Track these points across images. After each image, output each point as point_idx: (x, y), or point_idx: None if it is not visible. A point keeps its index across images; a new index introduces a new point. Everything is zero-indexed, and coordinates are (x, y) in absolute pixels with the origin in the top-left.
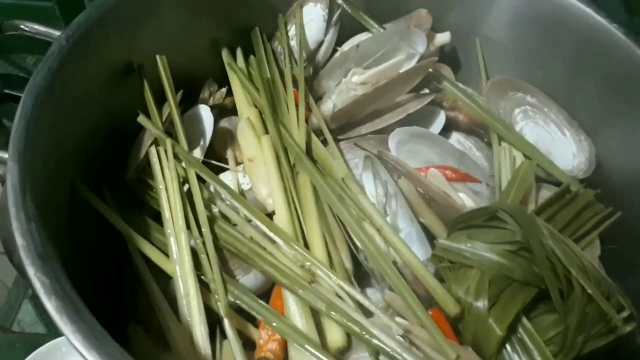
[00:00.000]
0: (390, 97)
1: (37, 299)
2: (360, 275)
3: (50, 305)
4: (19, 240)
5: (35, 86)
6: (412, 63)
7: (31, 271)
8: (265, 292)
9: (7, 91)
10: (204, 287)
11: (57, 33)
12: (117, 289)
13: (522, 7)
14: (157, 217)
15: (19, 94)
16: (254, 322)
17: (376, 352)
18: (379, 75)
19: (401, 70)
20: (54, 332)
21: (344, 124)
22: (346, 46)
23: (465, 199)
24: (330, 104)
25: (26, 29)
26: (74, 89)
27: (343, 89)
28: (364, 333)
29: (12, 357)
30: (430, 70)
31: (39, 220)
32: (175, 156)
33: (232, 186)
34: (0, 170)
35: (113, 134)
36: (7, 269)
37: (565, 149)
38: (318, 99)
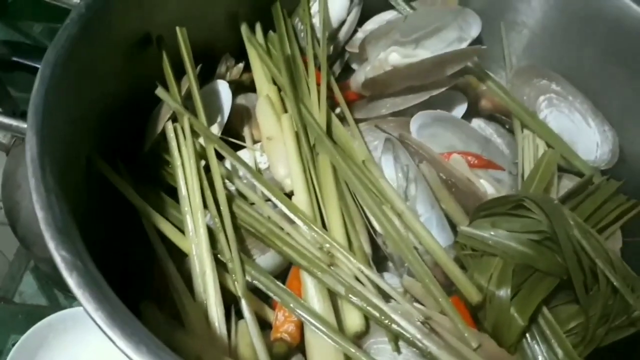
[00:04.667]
0: (427, 76)
1: (38, 271)
2: (378, 260)
3: (72, 282)
4: (40, 213)
5: (54, 54)
6: (462, 45)
7: (52, 245)
8: (282, 273)
9: (15, 59)
10: (220, 266)
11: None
12: (132, 265)
13: None
14: (173, 193)
15: (26, 62)
16: (269, 303)
17: (396, 337)
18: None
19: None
20: (55, 304)
21: (375, 95)
22: (369, 25)
23: (487, 187)
24: (362, 77)
25: None
26: (92, 59)
27: (377, 66)
28: (383, 318)
29: (14, 328)
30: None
31: (59, 193)
32: (193, 132)
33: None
34: (4, 139)
35: (130, 107)
36: (9, 241)
37: (589, 139)
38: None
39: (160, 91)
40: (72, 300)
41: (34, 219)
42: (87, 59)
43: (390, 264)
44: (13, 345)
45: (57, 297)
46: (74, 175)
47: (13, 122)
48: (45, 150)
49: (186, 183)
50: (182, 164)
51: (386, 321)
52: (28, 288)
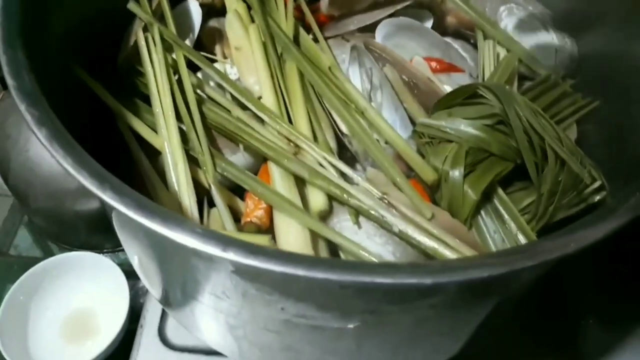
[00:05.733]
0: None
1: (33, 225)
2: (344, 161)
3: (41, 135)
4: (10, 82)
5: None
6: None
7: (22, 107)
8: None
9: None
10: (192, 163)
11: None
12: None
13: None
14: (147, 102)
15: None
16: (241, 198)
17: (356, 212)
18: None
19: None
20: (49, 256)
21: (343, 14)
22: None
23: (448, 89)
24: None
25: None
26: None
27: None
28: (344, 194)
29: (9, 278)
30: None
31: (29, 68)
32: (164, 43)
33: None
34: None
35: (104, 25)
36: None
37: (548, 45)
38: None
39: (132, 5)
40: (65, 251)
41: (25, 168)
42: None
43: (357, 166)
44: None
45: (51, 249)
46: (51, 77)
47: None
48: (17, 32)
49: (157, 85)
50: (153, 69)
51: (346, 197)
52: (22, 242)
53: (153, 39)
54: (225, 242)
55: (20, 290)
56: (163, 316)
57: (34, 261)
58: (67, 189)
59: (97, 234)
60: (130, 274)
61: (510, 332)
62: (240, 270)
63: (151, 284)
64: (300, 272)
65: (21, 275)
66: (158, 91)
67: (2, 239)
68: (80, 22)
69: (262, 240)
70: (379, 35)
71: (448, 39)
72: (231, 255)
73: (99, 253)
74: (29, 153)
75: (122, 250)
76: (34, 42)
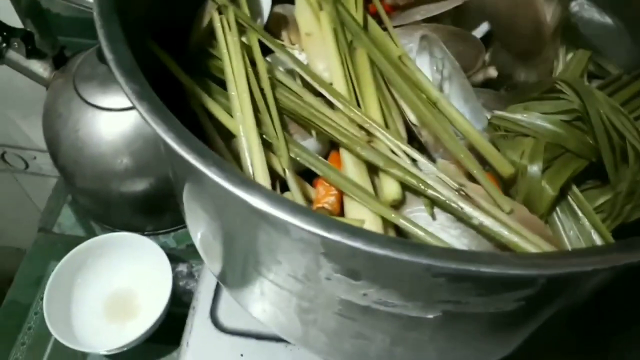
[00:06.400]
0: None
1: (77, 204)
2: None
3: (143, 109)
4: (109, 56)
5: None
6: None
7: (122, 81)
8: None
9: None
10: (265, 148)
11: None
12: None
13: None
14: (219, 85)
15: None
16: (311, 184)
17: (432, 202)
18: None
19: None
20: (92, 235)
21: (408, 4)
22: None
23: None
24: None
25: None
26: None
27: None
28: (420, 184)
29: (53, 255)
30: None
31: (124, 42)
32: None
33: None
34: (45, 73)
35: (176, 4)
36: (45, 190)
37: (620, 45)
38: None
39: None
40: (108, 231)
41: (74, 148)
42: None
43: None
44: (53, 271)
45: (94, 229)
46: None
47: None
48: (113, 8)
49: (232, 68)
50: (228, 52)
51: (422, 187)
52: (66, 220)
53: (228, 21)
54: (328, 223)
55: (65, 267)
56: (215, 298)
57: (77, 240)
58: (114, 170)
59: (140, 215)
60: (171, 257)
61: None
62: (333, 253)
63: (213, 260)
64: (403, 256)
65: (64, 253)
66: (233, 72)
67: (47, 217)
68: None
69: (355, 223)
70: None
71: None
72: (335, 236)
73: (141, 234)
74: (79, 133)
75: (164, 232)
76: (125, 17)
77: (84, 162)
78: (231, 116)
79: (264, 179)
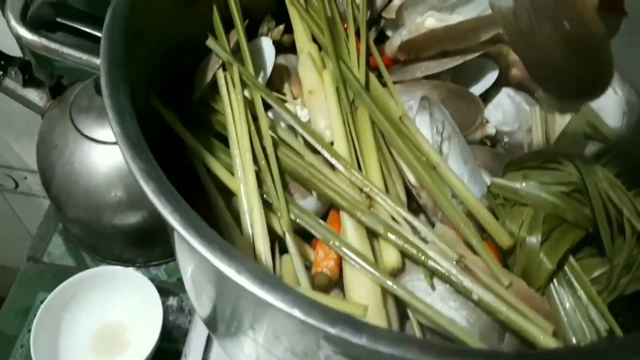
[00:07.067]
0: (462, 41)
1: (67, 233)
2: (411, 212)
3: (148, 189)
4: (116, 129)
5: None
6: None
7: (128, 157)
8: (320, 219)
9: (58, 20)
10: (265, 207)
11: None
12: None
13: None
14: (220, 140)
15: (69, 23)
16: (309, 244)
17: (431, 273)
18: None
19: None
20: (82, 265)
21: (409, 59)
22: None
23: None
24: (398, 41)
25: None
26: (152, 7)
27: (414, 30)
28: (420, 255)
29: (42, 286)
30: None
31: (131, 113)
32: (240, 81)
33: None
34: (41, 102)
35: (178, 58)
36: (34, 210)
37: (616, 107)
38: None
39: (211, 42)
40: (98, 262)
41: (68, 179)
42: (148, 7)
43: (422, 218)
44: (41, 302)
45: (84, 259)
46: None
47: (84, 56)
48: (119, 76)
49: (235, 127)
50: (232, 110)
51: (422, 257)
52: (56, 249)
53: (232, 78)
54: (332, 317)
55: (55, 300)
56: (207, 346)
57: (67, 270)
58: (108, 203)
59: (132, 247)
60: (162, 291)
61: None
62: (335, 340)
63: (203, 308)
64: (409, 355)
65: (53, 284)
66: (236, 131)
67: (37, 245)
68: (162, 57)
69: (358, 310)
70: None
71: (511, 91)
72: (338, 332)
73: (131, 266)
74: (74, 165)
75: (155, 265)
76: (132, 84)
77: (77, 193)
78: (232, 174)
79: (263, 243)
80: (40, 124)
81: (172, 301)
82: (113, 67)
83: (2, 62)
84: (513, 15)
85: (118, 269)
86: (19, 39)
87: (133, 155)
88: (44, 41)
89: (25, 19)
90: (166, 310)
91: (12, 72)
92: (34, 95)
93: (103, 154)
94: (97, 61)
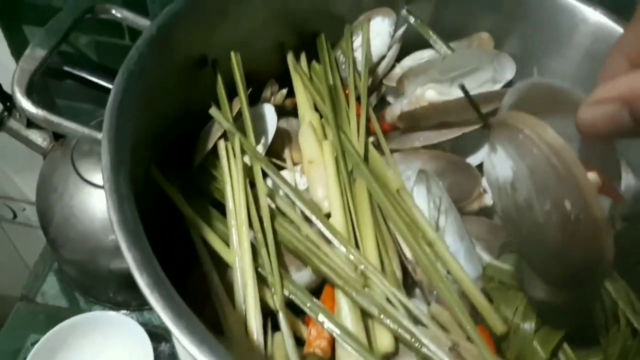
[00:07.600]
0: (461, 113)
1: (62, 273)
2: (406, 286)
3: (142, 282)
4: (114, 217)
5: (127, 70)
6: (495, 87)
7: (124, 246)
8: (314, 291)
9: (65, 68)
10: (259, 280)
11: (142, 20)
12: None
13: (598, 47)
14: (217, 206)
15: (76, 72)
16: (302, 319)
17: (424, 359)
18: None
19: (482, 90)
20: (76, 307)
21: (408, 127)
22: (407, 61)
23: None
24: (398, 110)
25: (117, 14)
26: (157, 76)
27: (414, 101)
28: (414, 341)
29: (33, 327)
30: None
31: (130, 198)
32: (241, 150)
33: None
34: (43, 143)
35: (180, 125)
36: (31, 241)
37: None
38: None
39: (213, 111)
40: (92, 304)
41: (67, 223)
42: (153, 76)
43: (417, 291)
44: (32, 344)
45: (77, 300)
46: (135, 183)
47: (85, 130)
48: (119, 159)
49: (234, 199)
50: (231, 181)
51: (416, 344)
52: (50, 289)
53: (233, 149)
54: None
55: (45, 345)
56: None
57: (60, 311)
58: (104, 247)
59: (126, 291)
60: (154, 336)
61: None
62: None
63: None
64: None
65: (45, 325)
66: (234, 203)
67: (31, 283)
68: (166, 122)
69: None
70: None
71: None
72: None
73: (125, 309)
74: (73, 209)
75: (148, 309)
76: (133, 147)
77: (75, 237)
78: (227, 245)
79: (255, 320)
80: (42, 166)
81: (164, 347)
82: (115, 149)
83: (8, 104)
84: (510, 187)
85: (110, 314)
86: (22, 110)
87: (129, 245)
88: (46, 115)
89: (30, 94)
90: (157, 356)
91: (17, 114)
92: (36, 136)
93: (102, 199)
94: (99, 136)
